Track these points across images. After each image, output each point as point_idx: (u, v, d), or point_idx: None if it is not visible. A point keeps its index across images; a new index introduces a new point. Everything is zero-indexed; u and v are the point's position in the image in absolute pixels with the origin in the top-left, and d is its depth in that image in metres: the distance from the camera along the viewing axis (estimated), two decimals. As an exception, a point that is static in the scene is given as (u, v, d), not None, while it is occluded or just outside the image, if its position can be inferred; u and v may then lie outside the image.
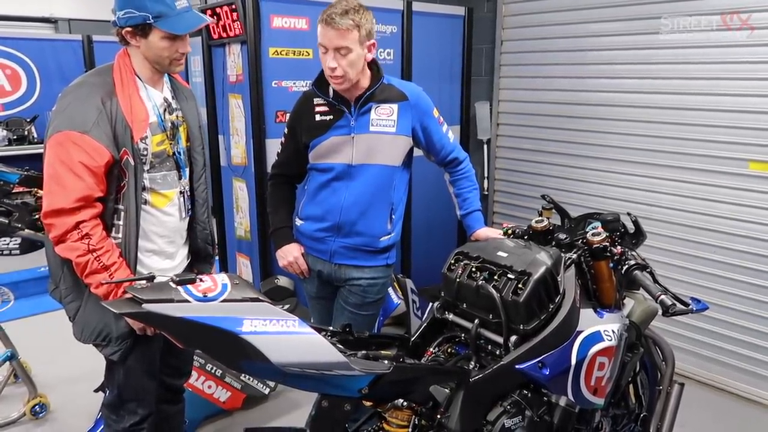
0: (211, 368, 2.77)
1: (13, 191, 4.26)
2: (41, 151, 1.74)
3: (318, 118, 2.10)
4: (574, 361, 1.66)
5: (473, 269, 1.76)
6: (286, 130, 2.23)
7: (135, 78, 1.76)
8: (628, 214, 2.10)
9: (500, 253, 1.77)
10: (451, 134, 2.24)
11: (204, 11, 3.21)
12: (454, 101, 4.11)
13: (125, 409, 1.91)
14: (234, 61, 3.28)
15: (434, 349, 1.84)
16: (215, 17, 3.20)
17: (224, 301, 1.34)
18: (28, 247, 5.47)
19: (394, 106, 2.10)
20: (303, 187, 2.27)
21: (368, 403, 1.62)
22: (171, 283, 1.34)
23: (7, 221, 4.16)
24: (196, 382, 2.71)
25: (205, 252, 2.07)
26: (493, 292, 1.65)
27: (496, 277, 1.70)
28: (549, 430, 1.66)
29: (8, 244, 5.49)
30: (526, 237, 2.01)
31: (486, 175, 4.25)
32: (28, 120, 5.79)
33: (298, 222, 2.24)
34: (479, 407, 1.61)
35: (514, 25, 3.97)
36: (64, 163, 1.63)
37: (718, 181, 3.08)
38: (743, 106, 2.94)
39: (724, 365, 3.18)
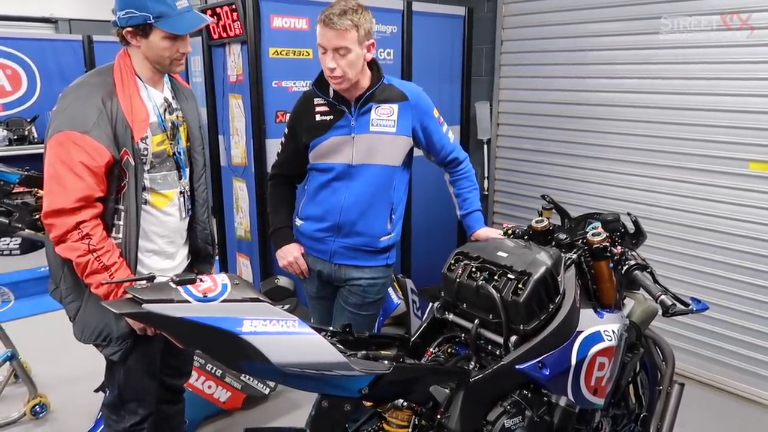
0: (211, 368, 2.77)
1: (14, 191, 4.27)
2: (41, 151, 1.74)
3: (318, 118, 2.10)
4: (574, 361, 1.66)
5: (473, 269, 1.76)
6: (286, 130, 2.23)
7: (135, 78, 1.77)
8: (628, 214, 2.10)
9: (500, 254, 1.77)
10: (451, 134, 2.24)
11: (204, 11, 3.21)
12: (454, 101, 4.11)
13: (125, 409, 1.91)
14: (234, 61, 3.28)
15: (434, 349, 1.84)
16: (215, 17, 3.20)
17: (224, 301, 1.34)
18: (29, 247, 5.47)
19: (395, 106, 2.10)
20: (303, 187, 2.27)
21: (368, 404, 1.62)
22: (171, 284, 1.34)
23: (7, 221, 4.17)
24: (196, 382, 2.71)
25: (205, 252, 2.07)
26: (493, 292, 1.65)
27: (496, 278, 1.70)
28: (549, 431, 1.66)
29: (8, 244, 5.50)
30: (526, 237, 2.01)
31: (486, 175, 4.25)
32: (29, 120, 5.80)
33: (298, 222, 2.24)
34: (479, 407, 1.61)
35: (514, 25, 3.97)
36: (65, 163, 1.63)
37: (718, 181, 3.08)
38: (743, 106, 2.94)
39: (724, 365, 3.18)
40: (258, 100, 3.14)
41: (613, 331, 1.75)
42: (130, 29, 1.70)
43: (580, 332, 1.70)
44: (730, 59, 2.95)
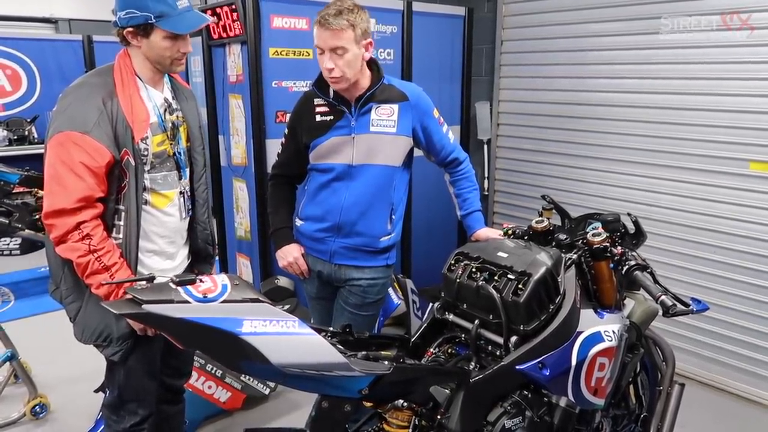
0: (212, 368, 2.77)
1: (14, 191, 4.27)
2: (42, 151, 1.74)
3: (318, 118, 2.10)
4: (574, 361, 1.66)
5: (473, 270, 1.76)
6: (286, 131, 2.23)
7: (135, 78, 1.77)
8: (629, 214, 2.10)
9: (500, 254, 1.77)
10: (451, 134, 2.24)
11: (204, 11, 3.21)
12: (454, 101, 4.12)
13: (126, 410, 1.91)
14: (234, 61, 3.28)
15: (434, 349, 1.84)
16: (215, 17, 3.20)
17: (224, 301, 1.34)
18: (29, 247, 5.48)
19: (395, 107, 2.10)
20: (303, 187, 2.27)
21: (368, 404, 1.62)
22: (171, 284, 1.34)
23: (7, 221, 4.17)
24: (196, 383, 2.71)
25: (205, 252, 2.07)
26: (494, 292, 1.65)
27: (496, 278, 1.70)
28: (549, 431, 1.66)
29: (8, 244, 5.50)
30: (526, 237, 2.01)
31: (486, 175, 4.25)
32: (29, 120, 5.80)
33: (298, 222, 2.24)
34: (479, 408, 1.61)
35: (514, 25, 3.97)
36: (65, 164, 1.63)
37: (718, 181, 3.08)
38: (743, 106, 2.94)
39: (725, 365, 3.18)
40: (258, 100, 3.14)
41: (614, 332, 1.75)
42: (130, 29, 1.70)
43: (580, 333, 1.70)
44: (730, 59, 2.95)
